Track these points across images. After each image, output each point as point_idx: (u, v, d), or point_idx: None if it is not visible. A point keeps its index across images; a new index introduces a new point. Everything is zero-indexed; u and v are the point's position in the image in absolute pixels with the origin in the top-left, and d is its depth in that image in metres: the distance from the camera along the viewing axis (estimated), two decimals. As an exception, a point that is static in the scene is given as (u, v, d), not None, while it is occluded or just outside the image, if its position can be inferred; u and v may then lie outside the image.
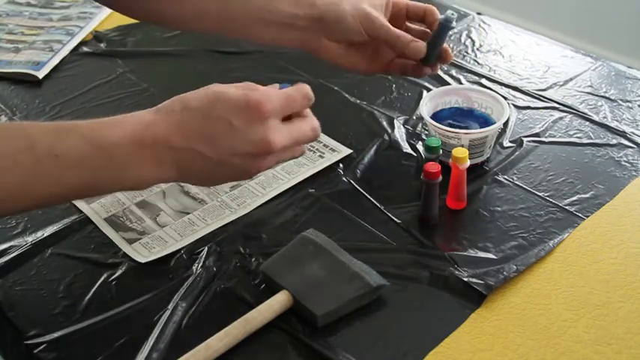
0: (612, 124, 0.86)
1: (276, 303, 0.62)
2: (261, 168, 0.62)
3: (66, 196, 0.61)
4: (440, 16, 0.79)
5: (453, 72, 0.98)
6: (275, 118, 0.61)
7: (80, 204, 0.76)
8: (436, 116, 0.81)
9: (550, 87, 0.95)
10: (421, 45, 0.78)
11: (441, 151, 0.73)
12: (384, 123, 0.88)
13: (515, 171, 0.79)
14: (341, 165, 0.81)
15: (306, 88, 0.64)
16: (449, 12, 0.78)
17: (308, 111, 0.66)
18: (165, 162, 0.60)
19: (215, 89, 0.61)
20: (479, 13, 1.15)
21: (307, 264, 0.65)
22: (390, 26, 0.77)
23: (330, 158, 0.81)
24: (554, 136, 0.85)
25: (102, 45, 1.09)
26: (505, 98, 0.85)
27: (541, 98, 0.92)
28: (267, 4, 0.76)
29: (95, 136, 0.58)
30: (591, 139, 0.84)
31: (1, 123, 0.57)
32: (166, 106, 0.61)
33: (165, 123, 0.60)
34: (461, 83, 0.96)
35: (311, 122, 0.65)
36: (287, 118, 0.63)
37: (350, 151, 0.83)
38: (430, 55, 0.79)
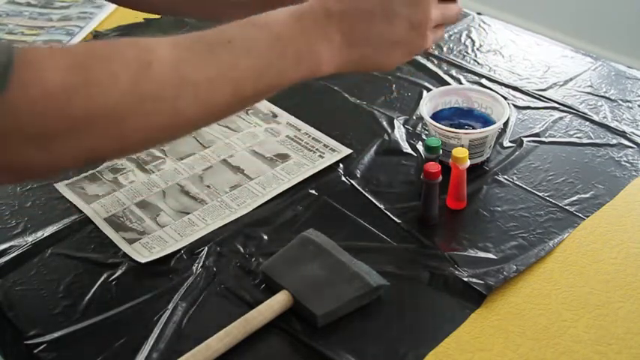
0: (612, 124, 0.86)
1: (276, 303, 0.62)
2: (425, 21, 0.62)
3: (254, 84, 0.57)
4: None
5: (453, 72, 0.98)
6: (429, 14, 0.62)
7: (80, 204, 0.76)
8: (436, 116, 0.81)
9: (550, 87, 0.95)
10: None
11: (441, 151, 0.73)
12: (384, 123, 0.88)
13: (515, 171, 0.79)
14: (341, 165, 0.81)
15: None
16: None
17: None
18: (330, 30, 0.58)
19: None
20: (479, 13, 1.15)
21: (307, 264, 0.65)
22: None
23: (330, 158, 0.82)
24: (554, 136, 0.85)
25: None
26: (505, 98, 0.85)
27: (541, 98, 0.92)
28: None
29: (258, 21, 0.57)
30: (591, 139, 0.84)
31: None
32: None
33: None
34: (461, 83, 0.96)
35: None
36: None
37: (350, 151, 0.83)
38: None
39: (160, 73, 0.51)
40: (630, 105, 0.90)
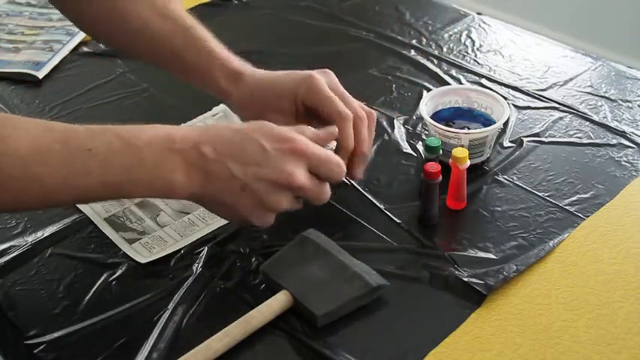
0: (612, 124, 0.86)
1: (277, 303, 0.62)
2: (278, 204, 0.62)
3: (100, 194, 0.60)
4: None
5: (453, 72, 0.98)
6: (305, 164, 0.62)
7: (80, 204, 0.76)
8: (436, 116, 0.81)
9: (550, 87, 0.94)
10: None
11: (441, 151, 0.73)
12: (384, 123, 0.88)
13: (515, 171, 0.79)
14: (341, 165, 0.81)
15: (341, 160, 0.65)
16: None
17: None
18: (194, 168, 0.59)
19: (264, 121, 0.63)
20: (479, 13, 1.15)
21: (307, 264, 0.65)
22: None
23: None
24: (554, 136, 0.85)
25: (102, 45, 1.09)
26: (505, 98, 0.85)
27: (541, 98, 0.92)
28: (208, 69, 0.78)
29: (128, 134, 0.58)
30: (591, 139, 0.84)
31: (33, 119, 0.57)
32: (207, 125, 0.63)
33: (200, 131, 0.61)
34: (461, 83, 0.96)
35: (327, 188, 0.65)
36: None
37: (350, 151, 0.82)
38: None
39: (9, 165, 0.54)
40: (630, 105, 0.90)
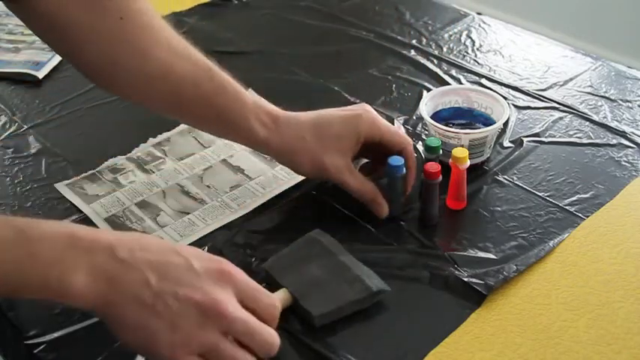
0: (612, 124, 0.86)
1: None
2: (200, 338, 0.52)
3: None
4: (389, 160, 0.70)
5: (453, 72, 0.98)
6: (236, 295, 0.54)
7: (80, 204, 0.76)
8: (436, 116, 0.81)
9: (550, 87, 0.94)
10: (385, 208, 0.71)
11: (441, 151, 0.73)
12: (384, 123, 0.88)
13: (515, 171, 0.79)
14: (341, 165, 0.81)
15: (276, 310, 0.57)
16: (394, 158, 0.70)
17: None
18: (99, 272, 0.51)
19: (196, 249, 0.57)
20: (479, 13, 1.15)
21: (310, 264, 0.65)
22: (354, 185, 0.71)
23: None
24: (554, 136, 0.85)
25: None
26: (505, 98, 0.85)
27: (541, 98, 0.92)
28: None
29: (26, 225, 0.51)
30: (591, 139, 0.84)
31: None
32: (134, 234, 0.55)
33: (116, 234, 0.54)
34: (461, 83, 0.96)
35: (270, 332, 0.55)
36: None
37: (350, 151, 0.82)
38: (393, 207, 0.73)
39: None
40: (630, 105, 0.90)
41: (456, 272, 0.66)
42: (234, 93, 0.71)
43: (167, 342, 0.51)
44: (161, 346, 0.52)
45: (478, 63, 1.01)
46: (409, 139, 0.73)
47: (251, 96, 0.72)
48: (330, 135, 0.71)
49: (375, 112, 0.73)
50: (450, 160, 0.71)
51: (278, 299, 0.60)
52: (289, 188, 0.77)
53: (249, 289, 0.55)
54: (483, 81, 0.96)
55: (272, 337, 0.55)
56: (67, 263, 0.51)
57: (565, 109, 0.90)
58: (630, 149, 0.82)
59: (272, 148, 0.72)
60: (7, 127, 0.90)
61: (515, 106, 0.91)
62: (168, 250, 0.54)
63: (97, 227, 0.73)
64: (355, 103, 0.93)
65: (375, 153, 0.74)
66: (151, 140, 0.86)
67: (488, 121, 0.80)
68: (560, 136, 0.85)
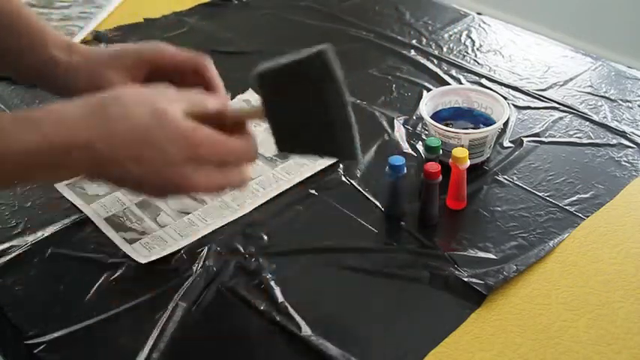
0: (612, 124, 0.86)
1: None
2: (179, 193, 0.58)
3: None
4: (389, 160, 0.69)
5: (453, 72, 0.98)
6: (210, 163, 0.57)
7: (80, 204, 0.76)
8: (436, 116, 0.81)
9: (550, 87, 0.95)
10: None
11: (441, 151, 0.73)
12: (384, 123, 0.88)
13: (515, 171, 0.79)
14: (341, 165, 0.81)
15: (249, 145, 0.60)
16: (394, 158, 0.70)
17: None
18: (80, 165, 0.54)
19: (162, 106, 0.55)
20: (479, 13, 1.15)
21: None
22: None
23: (331, 158, 0.81)
24: (554, 136, 0.85)
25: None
26: (505, 98, 0.85)
27: (541, 98, 0.92)
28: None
29: (7, 136, 0.52)
30: (591, 139, 0.84)
31: None
32: (104, 104, 0.55)
33: (95, 126, 0.54)
34: (461, 83, 0.96)
35: (241, 174, 0.60)
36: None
37: (350, 151, 0.83)
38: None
39: None
40: (630, 105, 0.90)
41: (456, 272, 0.66)
42: (35, 22, 0.70)
43: (156, 197, 0.61)
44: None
45: (478, 63, 1.01)
46: (202, 55, 0.70)
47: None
48: (110, 53, 0.69)
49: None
50: (450, 160, 0.71)
51: (250, 139, 0.60)
52: (289, 188, 0.77)
53: (222, 155, 0.58)
54: (483, 81, 0.96)
55: (240, 182, 0.60)
56: (49, 167, 0.54)
57: (565, 109, 0.90)
58: (630, 149, 0.82)
59: (61, 69, 0.69)
60: (7, 127, 0.90)
61: (515, 106, 0.91)
62: (145, 140, 0.55)
63: (97, 227, 0.73)
64: (355, 104, 0.93)
65: (173, 79, 0.68)
66: (151, 140, 0.86)
67: (488, 121, 0.80)
68: (560, 136, 0.85)
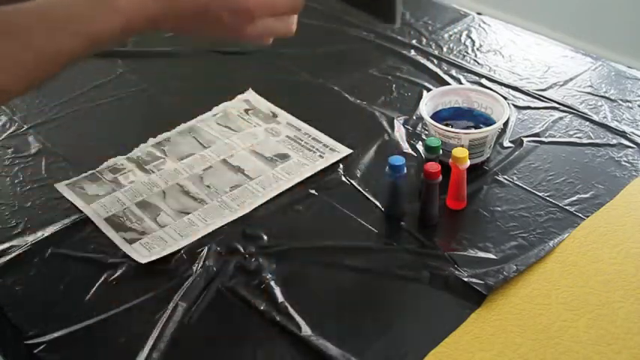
0: (612, 124, 0.86)
1: None
2: (247, 31, 0.64)
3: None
4: (389, 160, 0.70)
5: (453, 72, 0.98)
6: (261, 18, 0.63)
7: (80, 204, 0.76)
8: (436, 116, 0.81)
9: (550, 87, 0.95)
10: None
11: (441, 151, 0.73)
12: (384, 123, 0.88)
13: (515, 171, 0.79)
14: (341, 165, 0.81)
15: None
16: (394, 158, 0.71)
17: None
18: (153, 30, 0.62)
19: None
20: (479, 13, 1.15)
21: None
22: None
23: (330, 158, 0.82)
24: (554, 136, 0.85)
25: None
26: (505, 98, 0.85)
27: (541, 98, 0.92)
28: None
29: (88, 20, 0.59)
30: (591, 139, 0.84)
31: None
32: None
33: (162, 7, 0.60)
34: (461, 83, 0.96)
35: (290, 23, 0.67)
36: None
37: (350, 151, 0.83)
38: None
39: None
40: (630, 105, 0.90)
41: (456, 272, 0.66)
42: None
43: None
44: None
45: (478, 63, 1.01)
46: None
47: None
48: None
49: None
50: (450, 160, 0.71)
51: None
52: (289, 188, 0.77)
53: (271, 13, 0.64)
54: (483, 81, 0.96)
55: (287, 32, 0.68)
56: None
57: (565, 109, 0.90)
58: (630, 149, 0.82)
59: None
60: (7, 127, 0.90)
61: (515, 106, 0.91)
62: (203, 12, 0.61)
63: (97, 227, 0.73)
64: (355, 103, 0.93)
65: None
66: (151, 140, 0.86)
67: (488, 121, 0.80)
68: (560, 136, 0.85)
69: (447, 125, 0.78)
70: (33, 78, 0.61)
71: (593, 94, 0.93)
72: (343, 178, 0.79)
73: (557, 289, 0.64)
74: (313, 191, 0.77)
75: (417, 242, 0.70)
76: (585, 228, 0.71)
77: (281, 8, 0.65)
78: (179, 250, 0.69)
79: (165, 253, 0.69)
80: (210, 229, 0.72)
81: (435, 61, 1.01)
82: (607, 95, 0.92)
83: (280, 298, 0.64)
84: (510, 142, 0.84)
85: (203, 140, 0.85)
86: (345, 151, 0.83)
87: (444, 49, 1.04)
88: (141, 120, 0.92)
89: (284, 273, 0.67)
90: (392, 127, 0.87)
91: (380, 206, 0.74)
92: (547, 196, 0.75)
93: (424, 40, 1.06)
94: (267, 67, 1.02)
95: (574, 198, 0.75)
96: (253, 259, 0.68)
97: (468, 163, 0.71)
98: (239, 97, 0.94)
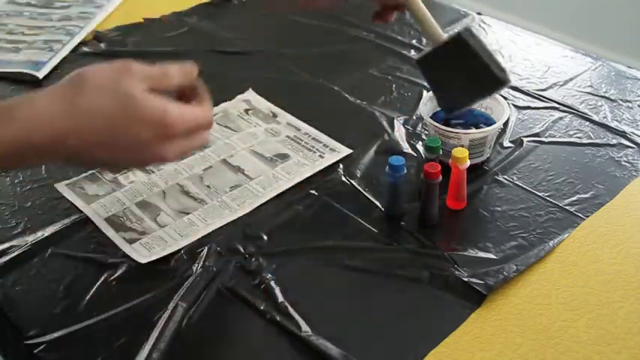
0: (612, 124, 0.86)
1: None
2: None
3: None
4: (389, 160, 0.71)
5: (453, 72, 0.98)
6: (178, 137, 0.59)
7: (80, 204, 0.76)
8: (436, 116, 0.81)
9: (550, 87, 0.95)
10: None
11: (441, 151, 0.73)
12: (384, 123, 0.88)
13: (515, 171, 0.79)
14: (341, 165, 0.81)
15: (209, 113, 0.62)
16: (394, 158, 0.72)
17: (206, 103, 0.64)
18: (56, 156, 0.58)
19: (130, 92, 0.57)
20: (479, 13, 1.15)
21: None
22: None
23: (330, 158, 0.82)
24: (554, 136, 0.85)
25: (102, 45, 1.09)
26: (505, 98, 0.85)
27: (541, 98, 0.92)
28: None
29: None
30: (591, 139, 0.84)
31: None
32: (72, 95, 0.57)
33: (65, 121, 0.56)
34: (461, 83, 0.95)
35: (203, 139, 0.63)
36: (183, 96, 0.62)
37: (350, 151, 0.83)
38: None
39: None
40: (630, 105, 0.90)
41: (456, 272, 0.66)
42: None
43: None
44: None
45: (478, 63, 1.00)
46: None
47: None
48: None
49: None
50: (450, 160, 0.71)
51: (208, 102, 0.63)
52: (289, 188, 0.77)
53: (189, 129, 0.60)
54: (483, 81, 0.96)
55: (201, 145, 0.64)
56: (24, 157, 0.57)
57: (565, 109, 0.90)
58: (630, 149, 0.82)
59: None
60: (7, 127, 0.90)
61: (515, 106, 0.91)
62: (116, 129, 0.57)
63: (97, 227, 0.73)
64: (355, 103, 0.93)
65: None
66: (151, 140, 0.86)
67: (488, 121, 0.80)
68: (560, 136, 0.85)
69: (445, 124, 0.78)
70: None
71: (593, 94, 0.93)
72: (343, 178, 0.79)
73: (557, 289, 0.64)
74: (313, 191, 0.77)
75: (417, 242, 0.70)
76: (585, 228, 0.71)
77: (200, 122, 0.61)
78: (179, 250, 0.69)
79: (165, 253, 0.69)
80: (210, 229, 0.72)
81: (435, 61, 1.01)
82: (607, 95, 0.92)
83: (280, 298, 0.64)
84: (510, 142, 0.84)
85: (203, 140, 0.85)
86: (345, 151, 0.83)
87: (444, 49, 1.04)
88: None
89: (284, 273, 0.67)
90: (392, 127, 0.87)
91: (380, 206, 0.74)
92: (547, 196, 0.75)
93: (424, 40, 1.06)
94: (267, 67, 1.02)
95: (574, 198, 0.75)
96: (253, 259, 0.68)
97: (468, 163, 0.71)
98: (239, 97, 0.94)
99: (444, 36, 0.73)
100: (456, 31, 0.71)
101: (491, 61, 0.70)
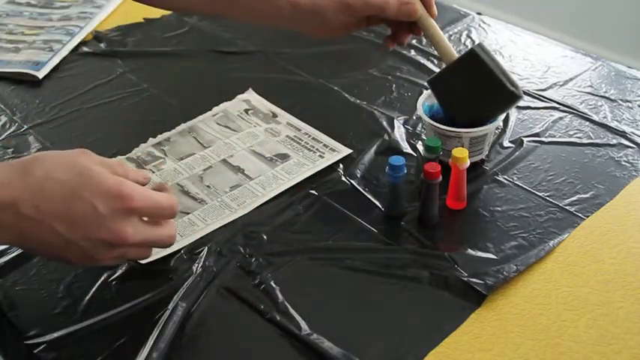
0: (612, 124, 0.86)
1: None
2: (107, 258, 0.59)
3: None
4: (389, 160, 0.71)
5: (453, 72, 0.98)
6: (138, 216, 0.59)
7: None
8: (434, 114, 0.81)
9: (550, 87, 0.95)
10: (412, 7, 0.76)
11: (441, 151, 0.73)
12: (384, 123, 0.88)
13: (515, 171, 0.79)
14: (341, 165, 0.81)
15: (173, 201, 0.61)
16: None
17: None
18: (7, 228, 0.55)
19: (86, 164, 0.57)
20: (479, 13, 1.15)
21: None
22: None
23: (330, 158, 0.82)
24: (554, 136, 0.85)
25: (102, 45, 1.09)
26: (505, 98, 0.85)
27: (541, 98, 0.92)
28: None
29: None
30: (591, 139, 0.84)
31: None
32: (26, 165, 0.57)
33: (20, 186, 0.55)
34: (461, 83, 0.96)
35: (169, 230, 0.62)
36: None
37: (350, 151, 0.83)
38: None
39: None
40: (630, 105, 0.90)
41: (456, 272, 0.66)
42: None
43: (87, 263, 0.59)
44: (82, 264, 0.61)
45: (478, 63, 1.00)
46: None
47: None
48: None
49: None
50: (450, 160, 0.71)
51: (173, 196, 0.62)
52: (289, 188, 0.77)
53: (150, 208, 0.59)
54: (483, 81, 0.96)
55: (169, 237, 0.62)
56: None
57: (565, 109, 0.90)
58: (630, 149, 0.82)
59: (301, 7, 0.74)
60: (7, 127, 0.90)
61: (515, 105, 0.90)
62: (72, 197, 0.56)
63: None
64: (355, 104, 0.93)
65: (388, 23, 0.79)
66: (151, 140, 0.86)
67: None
68: (560, 136, 0.85)
69: (433, 119, 0.78)
70: None
71: (593, 94, 0.93)
72: (343, 178, 0.79)
73: (557, 289, 0.64)
74: (313, 191, 0.77)
75: (417, 242, 0.70)
76: (585, 228, 0.71)
77: (162, 206, 0.60)
78: (179, 250, 0.69)
79: (165, 253, 0.69)
80: (210, 229, 0.72)
81: (435, 61, 1.01)
82: (607, 95, 0.92)
83: (280, 298, 0.64)
84: (510, 142, 0.84)
85: (203, 140, 0.85)
86: (345, 151, 0.83)
87: (444, 49, 1.04)
88: (141, 120, 0.92)
89: (284, 273, 0.67)
90: (392, 127, 0.87)
91: (380, 206, 0.74)
92: (547, 196, 0.75)
93: (424, 40, 1.06)
94: (267, 67, 1.02)
95: (574, 198, 0.75)
96: (253, 259, 0.68)
97: (468, 162, 0.71)
98: (239, 97, 0.94)
99: (457, 56, 0.74)
100: (469, 47, 0.72)
101: (505, 77, 0.70)
